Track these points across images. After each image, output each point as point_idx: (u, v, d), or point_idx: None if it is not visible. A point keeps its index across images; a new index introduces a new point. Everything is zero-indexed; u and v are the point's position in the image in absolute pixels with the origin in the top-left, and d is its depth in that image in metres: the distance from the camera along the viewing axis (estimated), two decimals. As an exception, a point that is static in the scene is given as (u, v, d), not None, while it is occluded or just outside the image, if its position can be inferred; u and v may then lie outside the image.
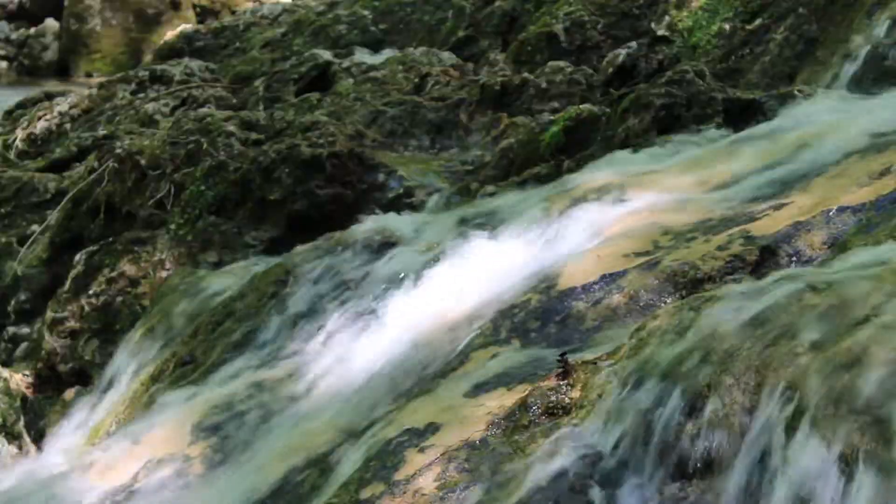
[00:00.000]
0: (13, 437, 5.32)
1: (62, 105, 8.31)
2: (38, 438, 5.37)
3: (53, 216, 6.57)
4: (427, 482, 2.97)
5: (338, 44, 8.38)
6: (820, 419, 2.41)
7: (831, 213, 3.47)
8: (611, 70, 6.58)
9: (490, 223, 4.48)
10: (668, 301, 3.38)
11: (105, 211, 6.29)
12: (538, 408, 3.03)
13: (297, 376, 4.23)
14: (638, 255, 3.66)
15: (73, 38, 15.97)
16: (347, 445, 3.45)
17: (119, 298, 5.78)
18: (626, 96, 5.42)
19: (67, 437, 5.13)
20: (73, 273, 6.01)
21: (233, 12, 14.03)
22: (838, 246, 3.32)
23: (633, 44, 6.72)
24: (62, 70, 15.94)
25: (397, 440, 3.20)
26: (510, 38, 7.68)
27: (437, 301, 4.07)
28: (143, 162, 6.22)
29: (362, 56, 7.79)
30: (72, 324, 5.85)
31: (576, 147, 5.40)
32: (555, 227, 4.15)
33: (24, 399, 5.59)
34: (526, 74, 6.66)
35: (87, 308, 5.83)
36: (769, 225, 3.56)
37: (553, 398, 3.02)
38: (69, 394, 5.51)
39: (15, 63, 16.24)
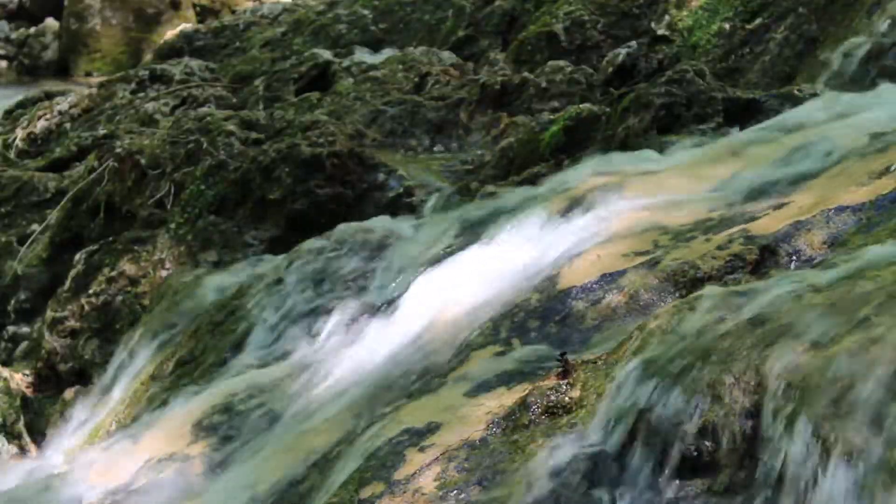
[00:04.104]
0: (13, 436, 5.32)
1: (62, 104, 8.31)
2: (38, 438, 5.37)
3: (53, 216, 6.57)
4: (427, 481, 2.97)
5: (338, 43, 8.38)
6: (820, 419, 2.41)
7: (831, 213, 3.47)
8: (611, 69, 6.58)
9: (490, 223, 4.48)
10: (668, 301, 3.38)
11: (105, 210, 6.28)
12: (538, 407, 3.03)
13: (297, 376, 4.23)
14: (638, 254, 3.66)
15: (73, 37, 15.96)
16: (347, 445, 3.45)
17: (119, 298, 5.78)
18: (626, 96, 5.42)
19: (67, 436, 5.13)
20: (73, 272, 6.01)
21: (233, 12, 14.03)
22: (838, 245, 3.32)
23: (633, 43, 6.72)
24: (62, 69, 15.92)
25: (397, 439, 3.20)
26: (510, 38, 7.68)
27: (437, 300, 4.07)
28: (143, 161, 6.22)
29: (362, 55, 7.79)
30: (72, 323, 5.85)
31: (576, 146, 5.40)
32: (555, 226, 4.15)
33: (24, 399, 5.59)
34: (526, 74, 6.65)
35: (87, 307, 5.83)
36: (769, 224, 3.56)
37: (553, 398, 3.03)
38: (69, 393, 5.50)
39: (15, 62, 16.23)
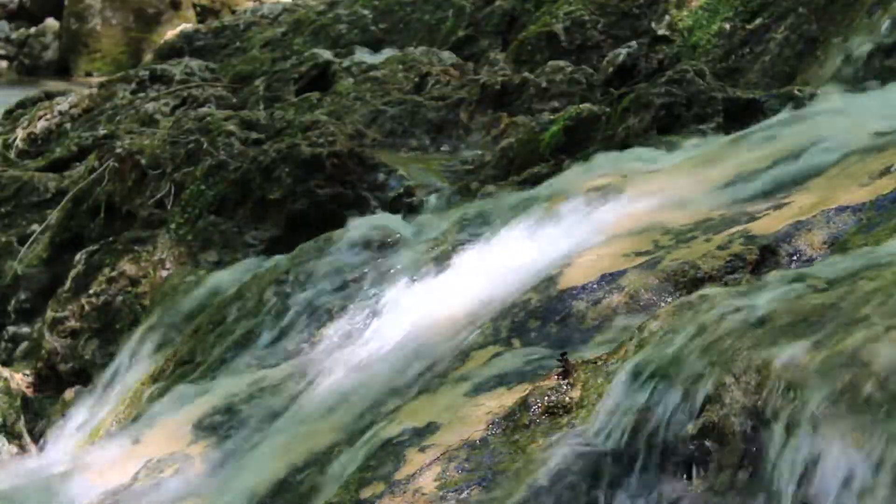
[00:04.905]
0: (13, 436, 5.32)
1: (62, 104, 8.31)
2: (39, 438, 5.37)
3: (53, 216, 6.57)
4: (427, 482, 2.97)
5: (338, 43, 8.38)
6: (820, 419, 2.41)
7: (831, 213, 3.48)
8: (611, 69, 6.58)
9: (490, 223, 4.48)
10: (668, 301, 3.38)
11: (105, 210, 6.28)
12: (538, 407, 3.03)
13: (297, 376, 4.23)
14: (638, 254, 3.66)
15: (74, 37, 15.96)
16: (347, 445, 3.45)
17: (119, 298, 5.78)
18: (627, 96, 5.42)
19: (67, 436, 5.13)
20: (73, 272, 6.01)
21: (233, 12, 14.03)
22: (838, 245, 3.32)
23: (634, 43, 6.72)
24: (62, 69, 15.93)
25: (397, 440, 3.20)
26: (510, 38, 7.68)
27: (438, 301, 4.07)
28: (143, 161, 6.22)
29: (362, 55, 7.79)
30: (72, 323, 5.85)
31: (576, 146, 5.40)
32: (555, 226, 4.15)
33: (24, 398, 5.59)
34: (526, 74, 6.66)
35: (87, 307, 5.83)
36: (769, 224, 3.56)
37: (553, 398, 3.03)
38: (69, 393, 5.50)
39: (15, 62, 16.24)
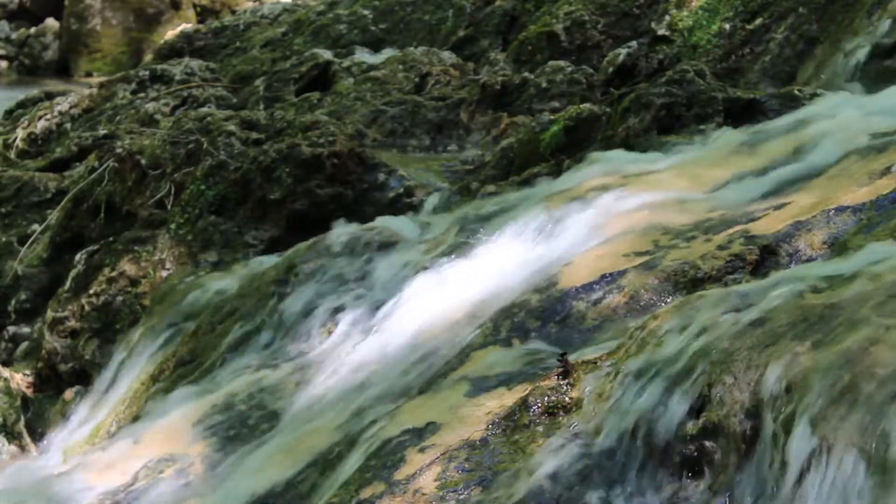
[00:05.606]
0: (13, 436, 5.32)
1: (62, 104, 8.30)
2: (39, 438, 5.37)
3: (54, 215, 6.57)
4: (427, 482, 2.97)
5: (338, 43, 8.38)
6: (820, 419, 2.41)
7: (831, 213, 3.48)
8: (611, 69, 6.57)
9: (490, 223, 4.48)
10: (668, 301, 3.38)
11: (105, 210, 6.28)
12: (538, 407, 3.03)
13: (297, 376, 4.23)
14: (638, 254, 3.66)
15: (74, 37, 15.97)
16: (347, 445, 3.45)
17: (119, 298, 5.78)
18: (627, 96, 5.42)
19: (67, 436, 5.13)
20: (73, 272, 6.01)
21: (233, 12, 14.03)
22: (838, 245, 3.32)
23: (634, 43, 6.72)
24: (62, 69, 15.94)
25: (397, 440, 3.20)
26: (510, 38, 7.68)
27: (438, 300, 4.07)
28: (143, 161, 6.21)
29: (362, 55, 7.79)
30: (72, 323, 5.85)
31: (576, 146, 5.40)
32: (555, 226, 4.15)
33: (24, 399, 5.59)
34: (526, 74, 6.66)
35: (87, 307, 5.83)
36: (769, 224, 3.56)
37: (553, 398, 3.03)
38: (69, 393, 5.51)
39: (15, 63, 16.24)
